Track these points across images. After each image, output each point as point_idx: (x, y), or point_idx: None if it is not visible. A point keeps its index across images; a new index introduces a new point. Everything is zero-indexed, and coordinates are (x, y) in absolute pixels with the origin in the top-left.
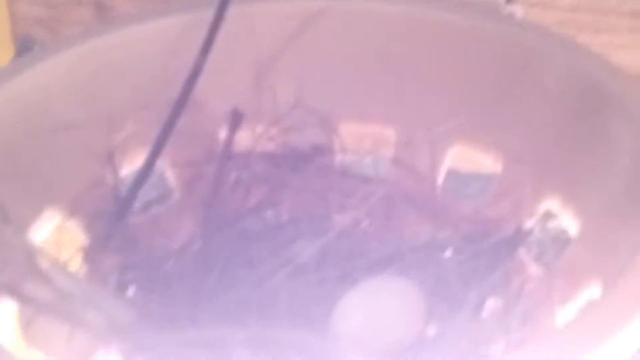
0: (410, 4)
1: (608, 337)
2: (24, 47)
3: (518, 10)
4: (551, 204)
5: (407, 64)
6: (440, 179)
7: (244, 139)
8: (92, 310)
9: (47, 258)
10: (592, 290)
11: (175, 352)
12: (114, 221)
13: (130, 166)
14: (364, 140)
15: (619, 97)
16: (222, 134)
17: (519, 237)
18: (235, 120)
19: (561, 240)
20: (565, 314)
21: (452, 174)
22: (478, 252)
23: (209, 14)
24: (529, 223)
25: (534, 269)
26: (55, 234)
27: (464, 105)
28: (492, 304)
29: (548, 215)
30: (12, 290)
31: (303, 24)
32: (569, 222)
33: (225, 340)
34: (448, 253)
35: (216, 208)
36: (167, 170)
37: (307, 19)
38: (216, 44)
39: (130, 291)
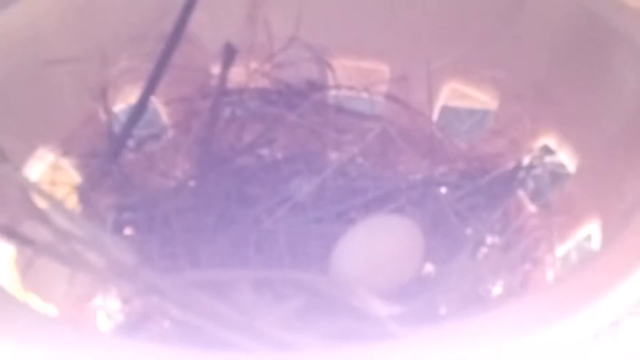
0: None
1: (607, 290)
2: None
3: None
4: (549, 140)
5: None
6: (435, 115)
7: (237, 74)
8: (93, 251)
9: (47, 197)
10: (591, 227)
11: (178, 294)
12: (108, 159)
13: (123, 102)
14: (358, 76)
15: (622, 32)
16: (215, 69)
17: (517, 173)
18: (229, 55)
19: (559, 177)
20: (564, 251)
21: (446, 110)
22: (476, 189)
23: None
24: (526, 159)
25: (531, 206)
26: (49, 172)
27: (459, 41)
28: (490, 241)
29: (546, 151)
30: (10, 232)
31: None
32: (567, 159)
33: (228, 281)
34: (445, 190)
35: (211, 145)
36: (160, 107)
37: None
38: None
39: (128, 231)
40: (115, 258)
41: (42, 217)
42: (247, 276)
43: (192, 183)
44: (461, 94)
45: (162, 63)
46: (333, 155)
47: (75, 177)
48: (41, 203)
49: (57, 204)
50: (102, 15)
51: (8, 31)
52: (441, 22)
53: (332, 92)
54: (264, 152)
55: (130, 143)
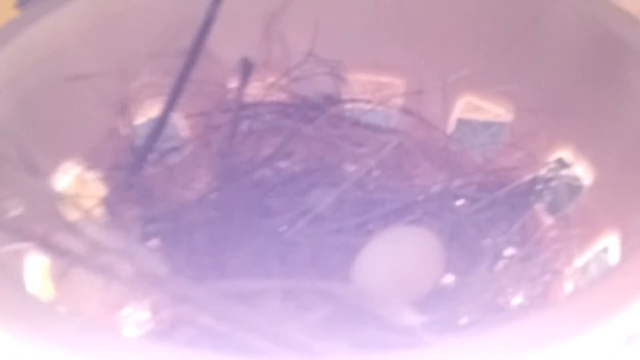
0: None
1: (627, 302)
2: None
3: None
4: (564, 153)
5: (418, 14)
6: (450, 128)
7: (254, 88)
8: (125, 262)
9: (78, 209)
10: (609, 240)
11: (209, 302)
12: (132, 172)
13: (144, 116)
14: (373, 90)
15: (635, 45)
16: (233, 84)
17: (533, 186)
18: (246, 70)
19: (576, 189)
20: (582, 262)
21: (461, 123)
22: (493, 201)
23: None
24: (542, 172)
25: (549, 219)
26: (74, 185)
27: (474, 55)
28: (509, 253)
29: (561, 164)
30: (45, 243)
31: None
32: (582, 172)
33: (256, 291)
34: (462, 202)
35: (230, 158)
36: (180, 121)
37: None
38: None
39: (154, 243)
40: (147, 268)
41: (74, 229)
42: (275, 286)
43: (213, 195)
44: (476, 107)
45: (182, 78)
46: (350, 168)
47: (100, 190)
48: (72, 215)
49: (89, 216)
50: (123, 32)
51: (32, 48)
52: (456, 36)
53: (348, 106)
54: (283, 164)
55: (152, 156)
